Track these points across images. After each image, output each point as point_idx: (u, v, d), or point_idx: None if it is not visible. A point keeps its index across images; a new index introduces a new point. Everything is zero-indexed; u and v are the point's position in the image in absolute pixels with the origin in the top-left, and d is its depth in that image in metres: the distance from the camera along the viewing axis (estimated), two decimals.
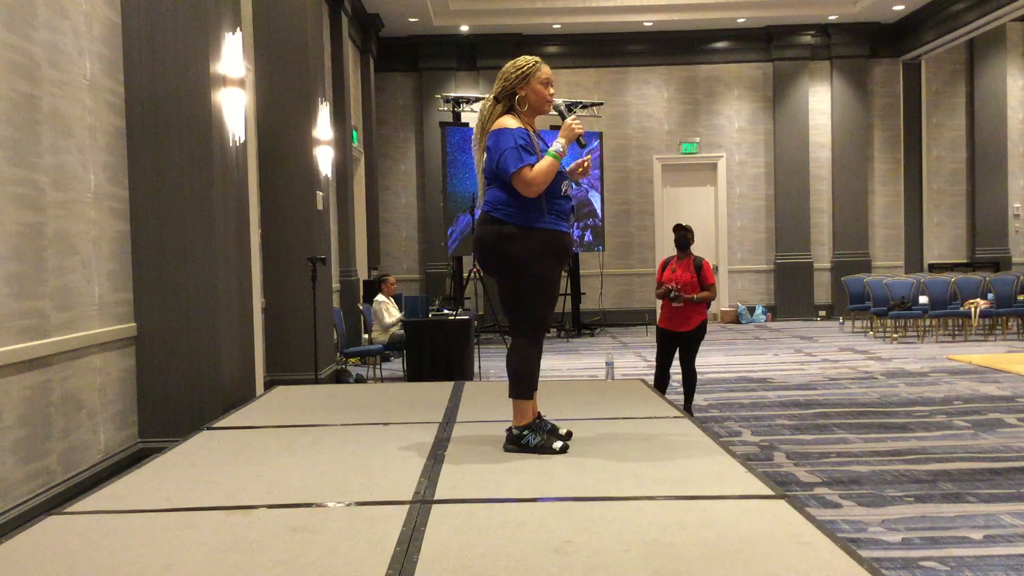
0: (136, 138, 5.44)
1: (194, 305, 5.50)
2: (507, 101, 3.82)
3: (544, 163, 3.69)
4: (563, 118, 3.89)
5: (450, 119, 13.39)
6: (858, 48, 15.17)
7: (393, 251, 15.36)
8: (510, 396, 3.84)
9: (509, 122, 3.76)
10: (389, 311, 9.65)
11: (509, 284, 3.80)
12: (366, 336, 10.39)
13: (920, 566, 3.77)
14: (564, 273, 13.73)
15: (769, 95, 15.36)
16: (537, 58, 3.86)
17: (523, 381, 3.80)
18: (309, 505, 3.14)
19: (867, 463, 5.52)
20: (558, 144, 3.73)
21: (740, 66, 15.42)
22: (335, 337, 9.26)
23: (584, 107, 13.86)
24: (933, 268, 14.87)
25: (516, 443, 3.81)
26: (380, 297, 9.77)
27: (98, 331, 4.97)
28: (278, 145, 8.13)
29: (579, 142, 3.82)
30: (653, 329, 12.66)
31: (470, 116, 13.82)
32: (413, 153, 15.39)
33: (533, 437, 3.79)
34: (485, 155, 3.79)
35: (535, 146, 3.75)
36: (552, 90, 3.87)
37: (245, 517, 3.02)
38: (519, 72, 3.79)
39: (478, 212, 3.91)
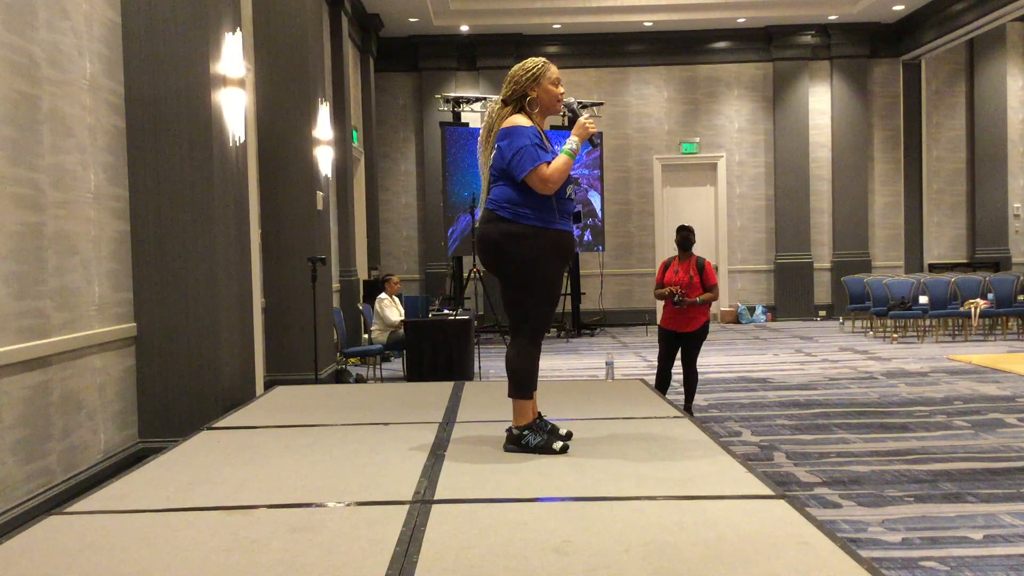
0: (136, 138, 5.44)
1: (194, 305, 5.50)
2: (517, 103, 3.82)
3: (560, 161, 3.71)
4: (576, 117, 3.90)
5: (450, 119, 13.39)
6: (858, 48, 15.17)
7: (393, 251, 15.36)
8: (510, 396, 3.83)
9: (520, 120, 3.77)
10: (393, 309, 9.66)
11: (514, 283, 3.79)
12: (366, 336, 10.39)
13: (920, 566, 3.77)
14: (564, 273, 13.67)
15: (769, 95, 15.37)
16: (544, 59, 3.87)
17: (523, 381, 3.80)
18: (309, 505, 3.14)
19: (867, 463, 5.52)
20: (572, 143, 3.75)
21: (740, 66, 15.42)
22: (335, 337, 9.26)
23: (584, 107, 13.86)
24: (933, 268, 14.88)
25: (516, 443, 3.81)
26: (383, 296, 9.78)
27: (98, 331, 4.97)
28: (278, 145, 8.13)
29: (591, 141, 3.84)
30: (653, 329, 12.69)
31: (470, 116, 13.82)
32: (413, 153, 15.39)
33: (533, 437, 3.79)
34: (494, 153, 3.79)
35: (547, 145, 3.78)
36: (561, 89, 3.90)
37: (245, 517, 3.02)
38: (529, 74, 3.79)
39: (479, 211, 3.90)
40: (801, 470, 5.39)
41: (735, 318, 15.33)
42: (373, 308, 9.90)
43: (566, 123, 3.92)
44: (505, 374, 3.91)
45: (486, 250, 3.81)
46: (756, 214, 15.51)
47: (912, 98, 15.36)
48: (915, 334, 12.60)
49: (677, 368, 6.98)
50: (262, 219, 8.03)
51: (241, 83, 5.94)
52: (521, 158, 3.67)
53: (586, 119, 3.82)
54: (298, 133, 8.21)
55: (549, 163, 3.69)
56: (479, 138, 3.93)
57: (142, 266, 5.46)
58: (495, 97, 3.96)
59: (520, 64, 3.86)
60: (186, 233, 5.47)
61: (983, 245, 15.29)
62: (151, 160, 5.45)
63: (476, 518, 2.94)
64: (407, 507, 3.05)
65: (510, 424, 3.86)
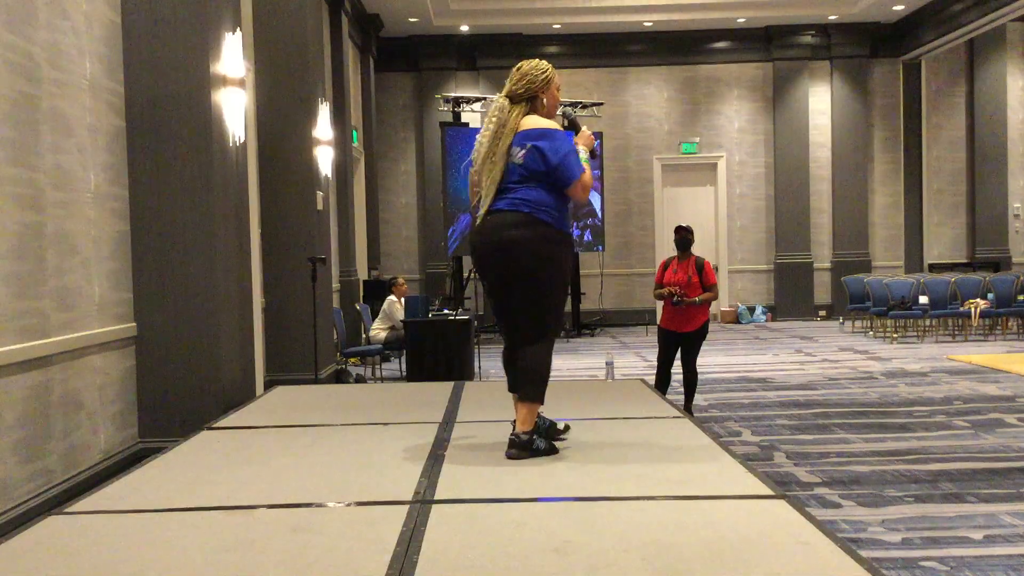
0: (136, 138, 5.44)
1: (194, 305, 5.49)
2: (528, 104, 3.78)
3: (588, 170, 3.78)
4: (574, 125, 3.93)
5: (450, 119, 13.39)
6: (858, 48, 15.17)
7: (393, 251, 15.36)
8: (530, 400, 3.70)
9: (551, 123, 3.79)
10: (402, 311, 9.77)
11: (543, 287, 3.71)
12: (366, 336, 10.42)
13: (920, 566, 3.77)
14: None
15: (769, 95, 15.36)
16: (548, 64, 3.90)
17: (545, 383, 3.75)
18: (309, 505, 3.13)
19: (867, 463, 5.52)
20: (583, 152, 3.81)
21: (740, 66, 15.42)
22: (335, 337, 9.26)
23: (584, 107, 13.87)
24: (933, 268, 14.87)
25: (527, 448, 3.68)
26: (393, 298, 9.91)
27: (98, 331, 4.96)
28: (278, 145, 8.13)
29: (592, 152, 3.88)
30: (653, 329, 12.68)
31: (470, 116, 13.82)
32: (413, 153, 15.39)
33: (542, 442, 3.75)
34: (526, 153, 3.70)
35: None
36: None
37: (245, 517, 3.02)
38: (544, 76, 3.79)
39: (504, 205, 3.70)
40: (801, 470, 5.39)
41: (735, 318, 15.33)
42: (381, 308, 9.98)
43: (565, 124, 3.94)
44: (505, 374, 3.90)
45: (521, 253, 3.65)
46: (756, 214, 15.51)
47: (912, 98, 15.35)
48: (915, 334, 12.59)
49: (677, 368, 6.98)
50: (262, 219, 8.03)
51: (241, 83, 5.94)
52: (570, 164, 3.66)
53: (586, 129, 3.86)
54: (298, 133, 8.20)
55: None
56: (485, 133, 3.79)
57: (142, 266, 5.46)
58: (499, 96, 3.86)
59: (532, 64, 3.82)
60: (186, 233, 5.47)
61: (983, 245, 15.28)
62: (151, 160, 5.45)
63: (476, 518, 2.94)
64: (407, 507, 3.05)
65: (515, 431, 3.72)
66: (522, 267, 3.68)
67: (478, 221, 3.81)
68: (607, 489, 3.23)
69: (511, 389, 3.90)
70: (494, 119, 3.79)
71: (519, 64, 3.87)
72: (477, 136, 3.86)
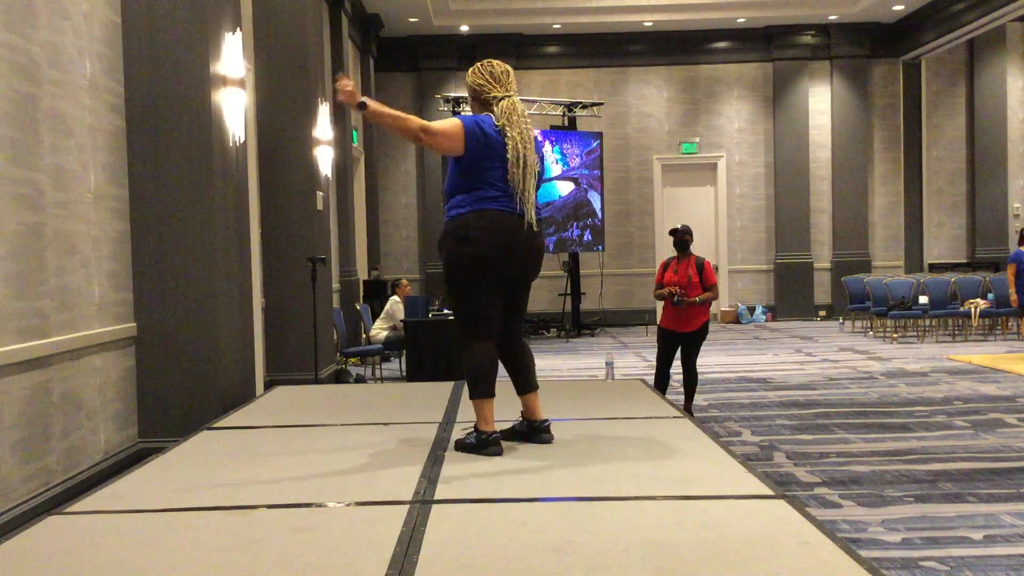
0: (136, 138, 5.44)
1: (194, 305, 5.49)
2: None
3: None
4: None
5: None
6: (858, 48, 15.17)
7: (393, 251, 15.36)
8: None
9: None
10: (400, 310, 9.84)
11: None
12: (366, 336, 10.44)
13: (920, 566, 3.77)
14: (564, 273, 13.84)
15: (769, 95, 15.36)
16: None
17: None
18: (309, 505, 3.13)
19: (867, 463, 5.52)
20: None
21: (740, 66, 15.42)
22: (335, 337, 9.26)
23: (584, 107, 13.88)
24: (933, 268, 14.88)
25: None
26: (395, 298, 9.98)
27: (98, 331, 4.96)
28: (278, 145, 8.13)
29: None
30: (653, 329, 12.68)
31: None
32: (413, 153, 15.38)
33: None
34: (537, 159, 3.84)
35: None
36: None
37: (245, 517, 3.02)
38: None
39: (538, 215, 3.83)
40: (801, 470, 5.39)
41: (735, 318, 15.33)
42: (384, 307, 10.06)
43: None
44: (506, 374, 3.92)
45: (540, 260, 3.94)
46: (756, 214, 15.51)
47: (912, 98, 15.35)
48: (915, 334, 12.59)
49: (676, 368, 6.97)
50: (262, 219, 8.03)
51: (241, 83, 5.94)
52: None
53: None
54: (298, 133, 8.21)
55: None
56: (529, 137, 3.77)
57: (142, 266, 5.46)
58: (511, 95, 3.80)
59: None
60: (186, 233, 5.47)
61: (983, 245, 15.28)
62: (151, 160, 5.45)
63: (476, 518, 2.94)
64: (407, 507, 3.05)
65: (541, 419, 3.97)
66: (536, 271, 3.94)
67: (515, 221, 3.76)
68: (607, 489, 3.23)
69: (521, 390, 3.97)
70: (530, 123, 3.84)
71: (500, 66, 3.86)
72: (511, 133, 3.71)
